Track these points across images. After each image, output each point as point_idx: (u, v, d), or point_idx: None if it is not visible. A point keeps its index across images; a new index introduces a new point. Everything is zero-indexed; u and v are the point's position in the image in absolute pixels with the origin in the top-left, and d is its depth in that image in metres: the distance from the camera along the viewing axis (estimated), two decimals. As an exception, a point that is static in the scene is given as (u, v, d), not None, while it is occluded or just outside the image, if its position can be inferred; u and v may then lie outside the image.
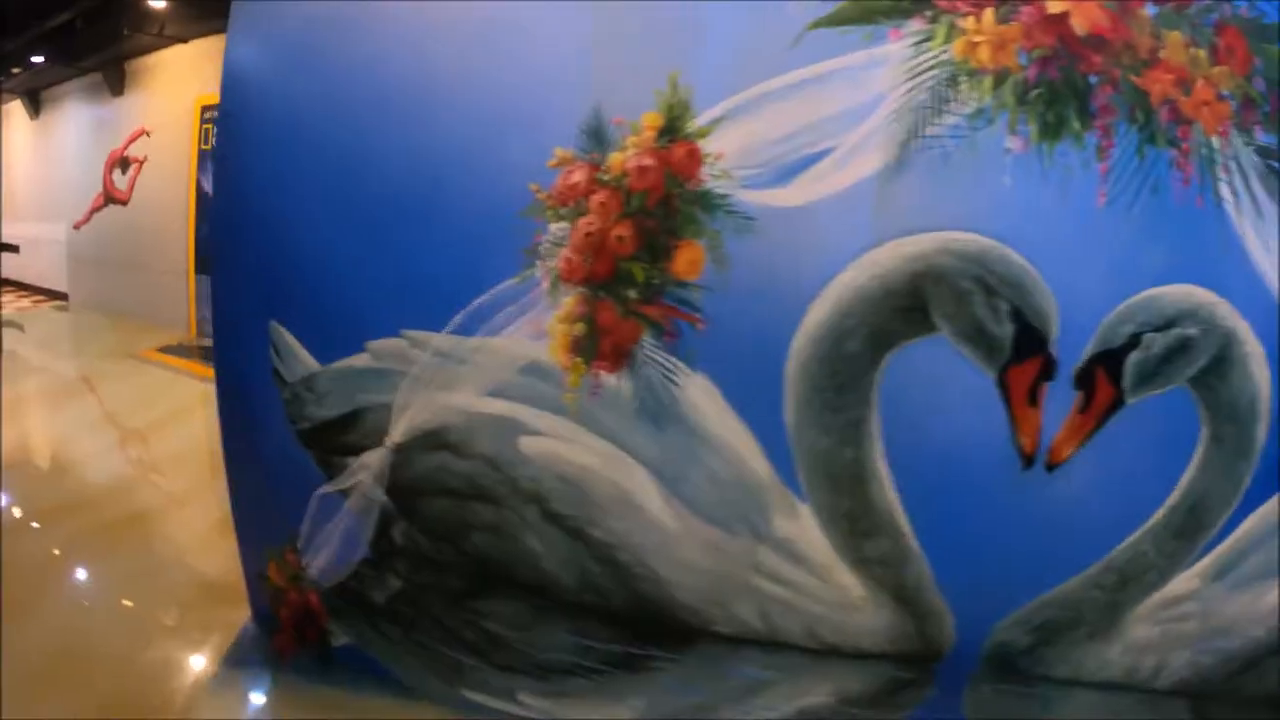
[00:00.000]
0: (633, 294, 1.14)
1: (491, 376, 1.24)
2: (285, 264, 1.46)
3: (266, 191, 1.49)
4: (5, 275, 9.91)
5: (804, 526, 1.25)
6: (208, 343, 6.69)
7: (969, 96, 1.14)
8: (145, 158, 8.20)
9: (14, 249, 10.00)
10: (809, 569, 1.28)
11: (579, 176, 1.15)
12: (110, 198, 8.69)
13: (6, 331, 7.96)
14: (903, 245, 1.16)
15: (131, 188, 8.36)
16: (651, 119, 1.14)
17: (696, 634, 1.32)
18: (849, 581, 1.29)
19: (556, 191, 1.17)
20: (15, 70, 8.64)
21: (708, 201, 1.13)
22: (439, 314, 1.27)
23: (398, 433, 1.35)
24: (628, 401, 1.18)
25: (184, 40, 7.21)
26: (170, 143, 7.64)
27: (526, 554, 1.30)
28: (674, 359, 1.15)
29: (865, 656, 1.33)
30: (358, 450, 1.41)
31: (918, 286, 1.17)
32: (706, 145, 1.13)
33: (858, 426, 1.21)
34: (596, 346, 1.16)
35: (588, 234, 1.14)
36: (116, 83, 8.50)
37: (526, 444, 1.24)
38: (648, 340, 1.15)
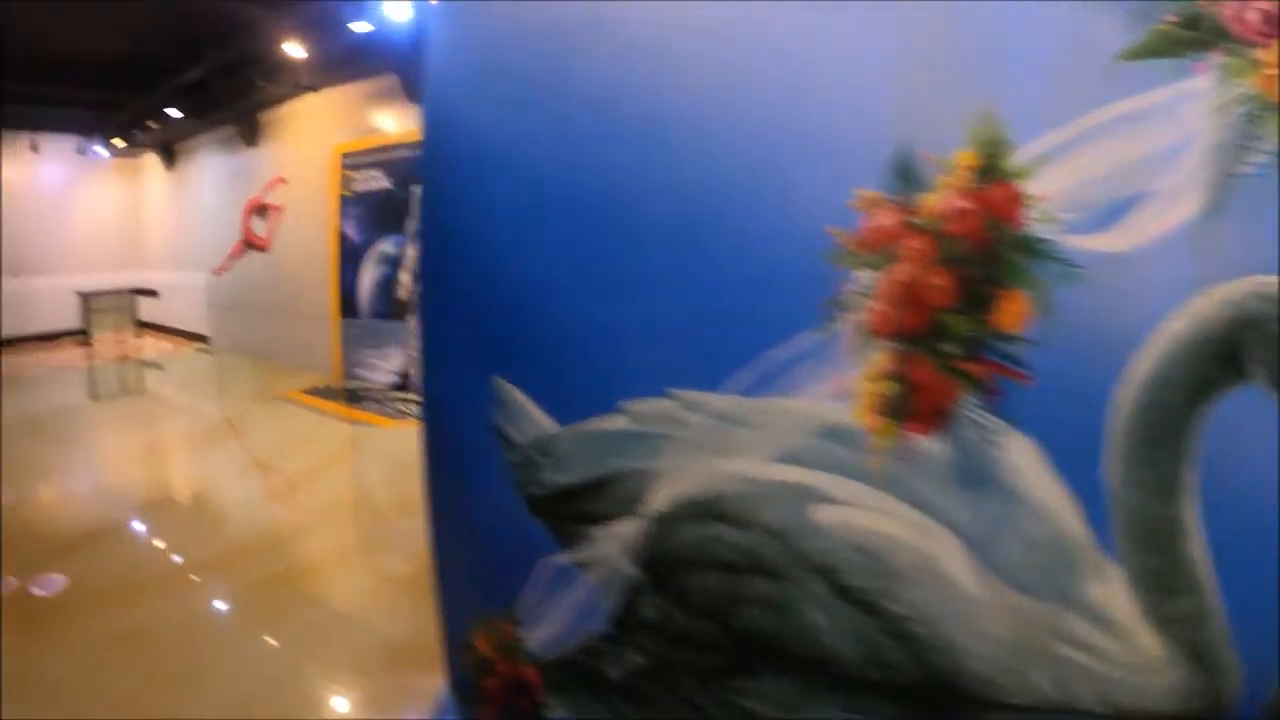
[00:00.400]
0: (951, 348, 1.04)
1: (782, 440, 1.14)
2: (513, 314, 1.37)
3: (487, 233, 1.41)
4: (145, 319, 10.10)
5: (1113, 589, 1.15)
6: (352, 385, 6.71)
7: (1271, 133, 1.08)
8: (284, 206, 8.22)
9: (153, 294, 10.18)
10: (1113, 632, 1.18)
11: (888, 219, 1.05)
12: (250, 244, 8.73)
13: (148, 371, 8.03)
14: (1218, 291, 1.10)
15: (271, 235, 8.40)
16: (966, 157, 1.03)
17: (986, 706, 1.23)
18: (1149, 643, 1.19)
19: (862, 236, 1.06)
20: (151, 125, 8.86)
21: (1032, 247, 1.04)
22: (715, 371, 1.16)
23: (659, 501, 1.25)
24: (941, 465, 1.07)
25: (316, 89, 7.29)
26: (310, 190, 7.74)
27: (805, 629, 1.20)
28: (995, 418, 1.06)
29: (1154, 719, 1.25)
30: (604, 519, 1.31)
31: (1233, 333, 1.10)
32: (1028, 186, 1.07)
33: (1174, 481, 1.12)
34: (909, 406, 1.06)
35: (901, 283, 1.05)
36: (250, 133, 8.60)
37: (821, 513, 1.14)
38: (967, 399, 1.07)
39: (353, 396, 6.51)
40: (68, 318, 10.23)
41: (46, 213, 10.33)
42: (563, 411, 1.33)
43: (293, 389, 6.79)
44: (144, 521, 3.66)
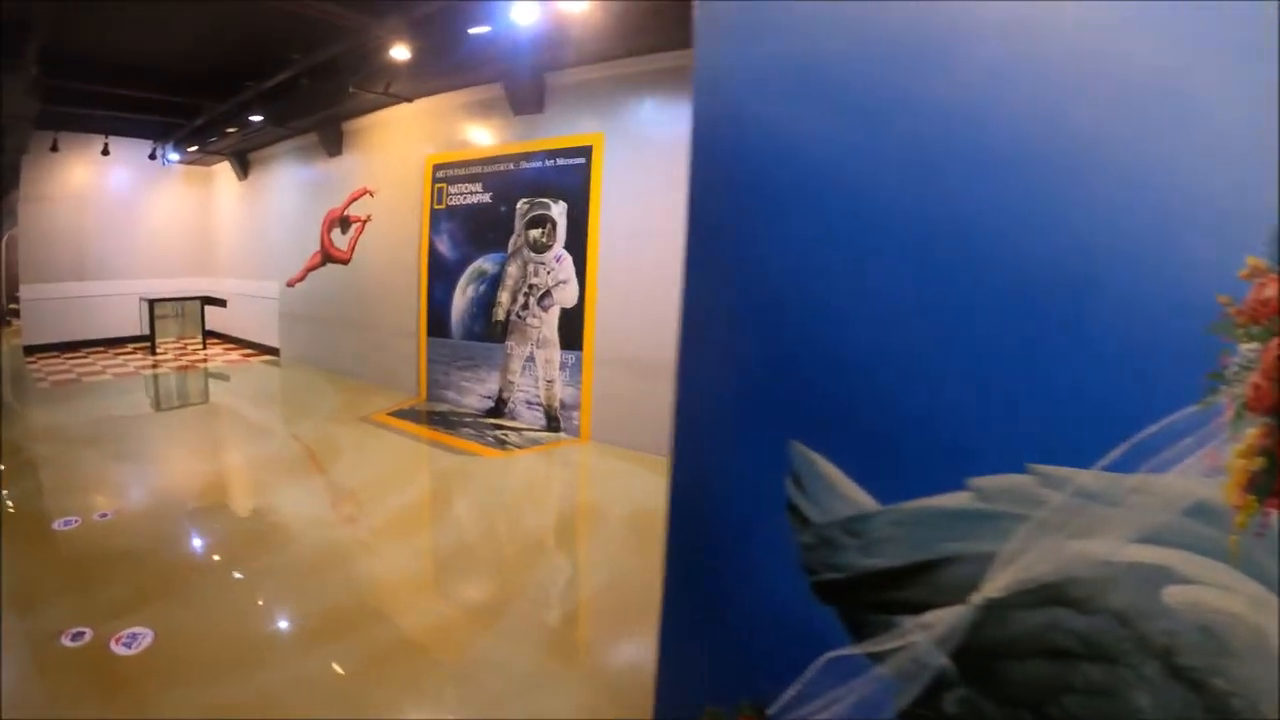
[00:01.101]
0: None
1: (1147, 519, 1.05)
2: (829, 369, 1.20)
3: (793, 267, 1.24)
4: (212, 328, 9.94)
5: None
6: (440, 408, 6.39)
7: None
8: (368, 217, 7.91)
9: (221, 303, 9.97)
10: None
11: (1274, 291, 0.97)
12: (329, 257, 8.43)
13: (214, 382, 7.81)
14: None
15: (353, 248, 8.10)
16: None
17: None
18: None
19: (1248, 306, 0.98)
20: (228, 130, 8.58)
21: None
22: (1084, 445, 1.05)
23: (995, 587, 1.14)
24: (1289, 538, 0.97)
25: (408, 100, 6.98)
26: (397, 203, 7.41)
27: (1127, 713, 1.10)
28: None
29: None
30: (919, 607, 1.19)
31: None
32: None
33: None
34: (1274, 483, 0.99)
35: (1281, 359, 0.95)
36: (333, 142, 8.31)
37: (1172, 594, 1.06)
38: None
39: (444, 421, 6.13)
40: (133, 324, 10.06)
41: (115, 217, 10.21)
42: (887, 487, 1.19)
43: (376, 410, 6.43)
44: (236, 565, 3.27)
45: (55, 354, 9.39)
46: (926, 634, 1.19)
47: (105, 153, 9.75)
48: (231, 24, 6.32)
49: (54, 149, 9.36)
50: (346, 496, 4.48)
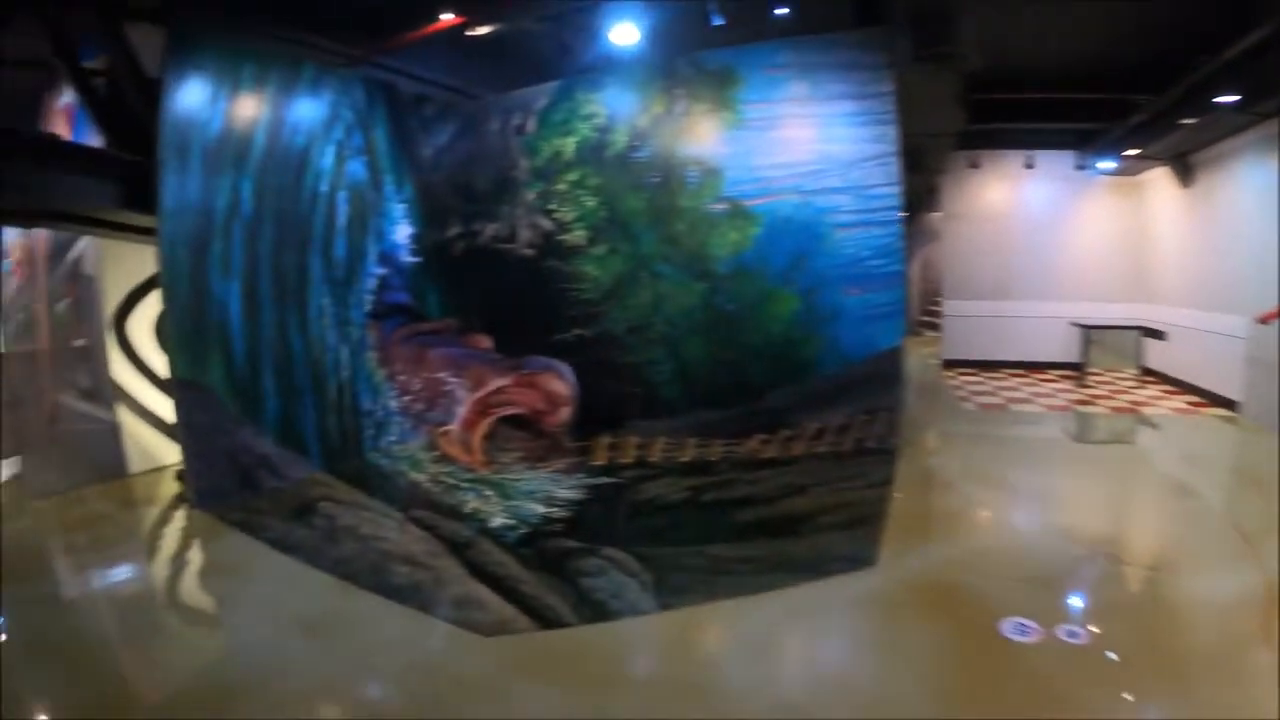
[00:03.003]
0: None
1: None
2: None
3: None
4: (1149, 364, 9.46)
5: None
6: None
7: None
8: None
9: (1160, 335, 9.27)
10: None
11: None
12: None
13: (1142, 429, 7.07)
14: None
15: None
16: None
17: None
18: None
19: None
20: (1174, 125, 6.86)
21: None
22: None
23: None
24: None
25: None
26: None
27: None
28: None
29: None
30: None
31: None
32: None
33: None
34: None
35: None
36: None
37: None
38: None
39: None
40: (1056, 348, 9.27)
41: (1038, 234, 9.57)
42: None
43: None
44: None
45: (973, 370, 9.38)
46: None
47: (1029, 166, 9.25)
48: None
49: (974, 165, 9.38)
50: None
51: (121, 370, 5.26)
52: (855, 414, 4.80)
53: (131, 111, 4.48)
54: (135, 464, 5.22)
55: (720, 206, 5.12)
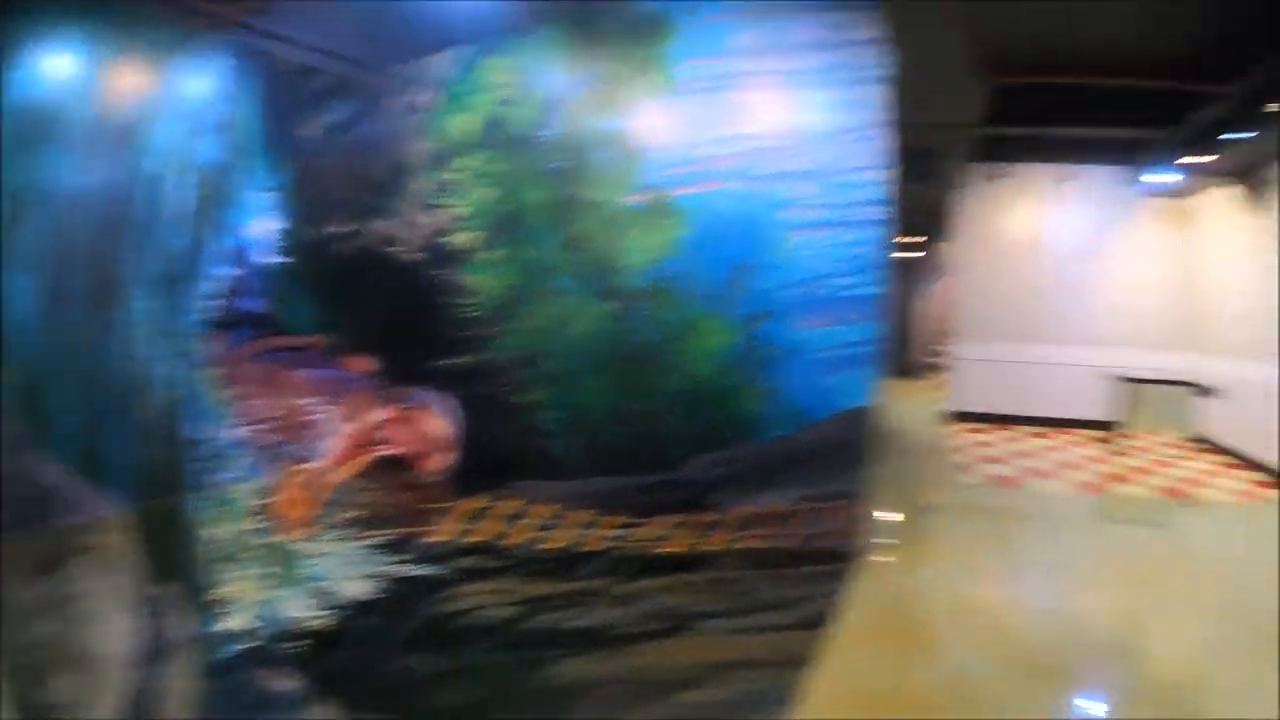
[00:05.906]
0: None
1: None
2: None
3: None
4: (1202, 432, 7.59)
5: None
6: None
7: None
8: None
9: (1207, 392, 7.51)
10: None
11: None
12: None
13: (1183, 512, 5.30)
14: None
15: None
16: None
17: None
18: None
19: None
20: (1241, 129, 5.48)
21: None
22: None
23: None
24: None
25: None
26: None
27: None
28: None
29: None
30: None
31: None
32: None
33: None
34: None
35: None
36: None
37: None
38: None
39: None
40: (1085, 402, 7.79)
41: (1068, 267, 8.15)
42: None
43: None
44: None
45: (984, 426, 7.91)
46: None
47: (1061, 182, 7.94)
48: None
49: (994, 179, 8.15)
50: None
51: None
52: (803, 499, 3.36)
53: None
54: None
55: (637, 199, 3.74)
